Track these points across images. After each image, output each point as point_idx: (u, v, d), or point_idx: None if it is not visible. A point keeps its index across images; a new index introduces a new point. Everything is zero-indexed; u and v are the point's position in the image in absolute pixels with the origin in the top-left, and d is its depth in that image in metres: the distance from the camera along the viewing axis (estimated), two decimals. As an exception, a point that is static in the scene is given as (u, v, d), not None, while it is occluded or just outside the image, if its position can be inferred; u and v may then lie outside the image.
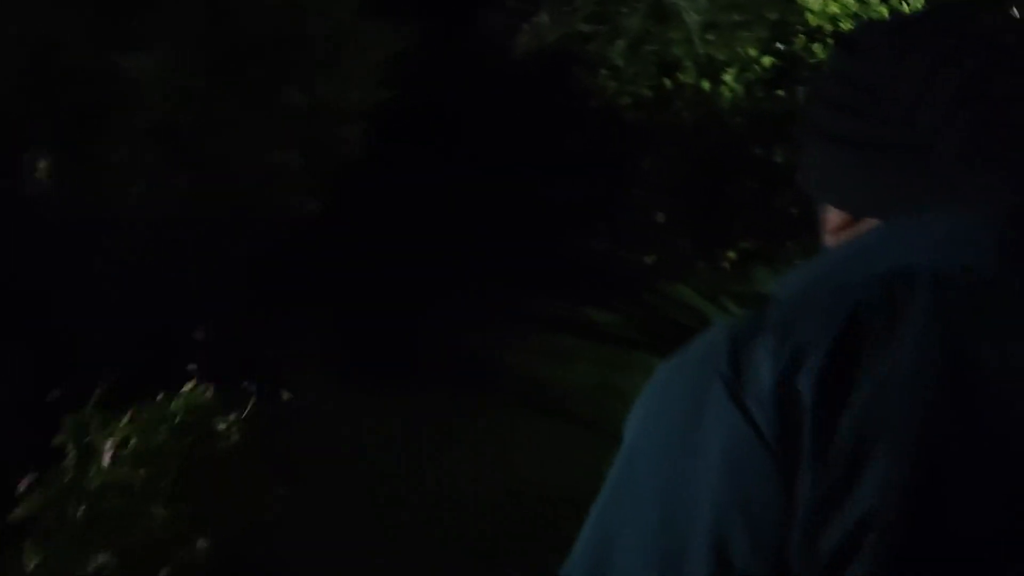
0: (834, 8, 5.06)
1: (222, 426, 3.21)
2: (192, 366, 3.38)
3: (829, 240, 0.81)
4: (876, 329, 0.67)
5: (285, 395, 3.85)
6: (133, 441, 3.06)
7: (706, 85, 5.19)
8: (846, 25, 4.97)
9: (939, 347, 0.66)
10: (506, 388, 5.88)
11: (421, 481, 5.04)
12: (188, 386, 3.20)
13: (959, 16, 0.80)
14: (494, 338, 6.12)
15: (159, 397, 3.19)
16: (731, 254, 5.26)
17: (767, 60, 4.88)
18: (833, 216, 0.80)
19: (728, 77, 4.97)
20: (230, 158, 4.74)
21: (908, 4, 4.86)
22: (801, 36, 5.03)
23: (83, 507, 3.08)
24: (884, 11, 5.14)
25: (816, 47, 4.93)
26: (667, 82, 5.55)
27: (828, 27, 5.01)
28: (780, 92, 4.79)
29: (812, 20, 5.08)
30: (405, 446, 5.30)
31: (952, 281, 0.70)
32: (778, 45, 5.01)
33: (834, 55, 0.83)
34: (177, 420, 3.09)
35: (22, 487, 3.12)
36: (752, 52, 4.97)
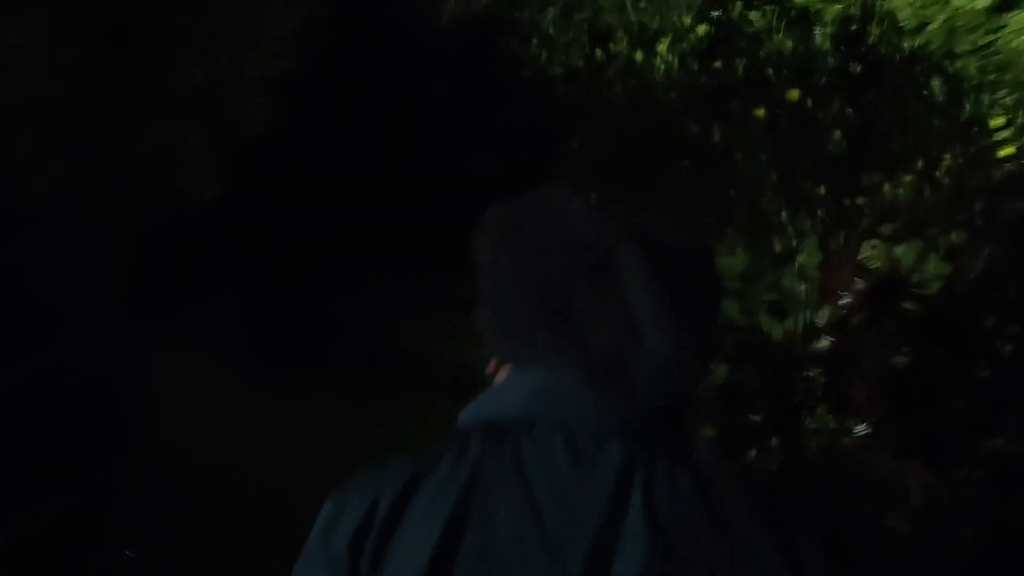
0: (772, -27, 4.73)
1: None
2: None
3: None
4: (438, 475, 0.92)
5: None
6: None
7: (639, 56, 4.84)
8: (785, -9, 4.67)
9: (467, 490, 0.90)
10: (428, 378, 5.54)
11: (336, 480, 4.68)
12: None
13: (543, 209, 1.05)
14: (415, 325, 5.77)
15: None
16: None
17: (702, 29, 4.54)
18: (492, 360, 1.09)
19: (661, 47, 4.62)
20: (116, 138, 4.29)
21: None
22: (738, 3, 4.69)
23: None
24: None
25: (754, 15, 4.59)
26: (599, 52, 5.19)
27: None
28: (717, 64, 4.44)
29: (749, -14, 4.75)
30: (318, 444, 4.93)
31: (515, 429, 0.95)
32: (713, 13, 4.67)
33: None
34: None
35: None
36: (686, 20, 4.63)
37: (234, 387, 5.00)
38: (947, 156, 4.07)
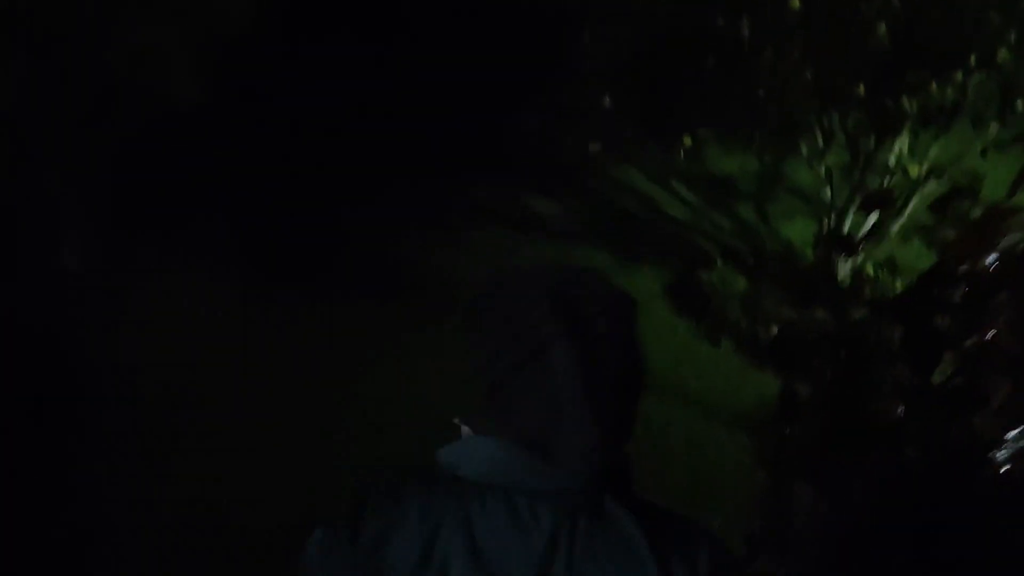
0: None
1: None
2: None
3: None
4: (410, 522, 1.16)
5: None
6: None
7: (659, -61, 4.39)
8: None
9: (430, 541, 1.15)
10: (436, 293, 5.25)
11: (340, 404, 4.44)
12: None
13: (507, 294, 1.24)
14: (421, 236, 5.46)
15: None
16: (687, 141, 4.59)
17: (731, -92, 4.09)
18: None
19: (684, -71, 4.18)
20: (85, 37, 3.90)
21: None
22: None
23: None
24: None
25: None
26: (613, -64, 4.73)
27: None
28: (747, -52, 4.01)
29: None
30: (322, 366, 4.67)
31: (472, 487, 1.17)
32: None
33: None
34: None
35: None
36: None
37: (229, 302, 4.73)
38: (1003, 51, 3.69)
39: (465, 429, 1.26)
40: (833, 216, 5.08)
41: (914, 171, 4.16)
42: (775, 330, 2.49)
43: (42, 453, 3.50)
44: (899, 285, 4.50)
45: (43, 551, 3.23)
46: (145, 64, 4.23)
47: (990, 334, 1.53)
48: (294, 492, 3.72)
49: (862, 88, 3.90)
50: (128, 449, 3.77)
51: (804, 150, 4.98)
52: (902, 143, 4.58)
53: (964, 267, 1.55)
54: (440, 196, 5.57)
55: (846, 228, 4.96)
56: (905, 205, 4.74)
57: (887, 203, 3.30)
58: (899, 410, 1.64)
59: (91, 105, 4.03)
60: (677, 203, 5.93)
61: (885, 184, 4.75)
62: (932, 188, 4.55)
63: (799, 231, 5.72)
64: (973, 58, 3.72)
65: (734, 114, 4.44)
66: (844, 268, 4.60)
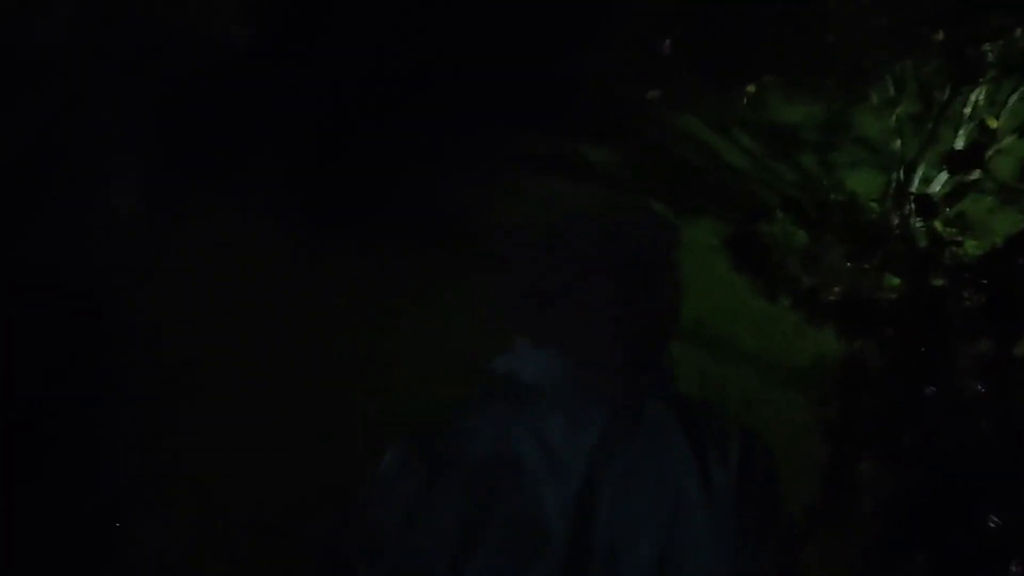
0: None
1: None
2: None
3: None
4: (481, 430, 1.29)
5: None
6: None
7: None
8: None
9: (500, 442, 1.27)
10: (488, 242, 5.12)
11: (387, 353, 4.38)
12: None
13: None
14: (474, 182, 5.35)
15: None
16: (750, 89, 4.39)
17: None
18: None
19: None
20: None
21: None
22: None
23: None
24: None
25: None
26: None
27: None
28: None
29: None
30: (371, 312, 4.61)
31: None
32: None
33: None
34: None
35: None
36: None
37: (273, 246, 4.69)
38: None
39: (521, 340, 1.34)
40: (902, 170, 4.86)
41: (992, 124, 3.93)
42: (837, 290, 2.35)
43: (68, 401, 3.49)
44: (969, 244, 4.30)
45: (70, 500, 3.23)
46: (193, 6, 4.16)
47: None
48: (323, 448, 3.67)
49: (941, 34, 3.67)
50: (160, 394, 3.75)
51: (874, 99, 4.75)
52: (979, 93, 4.35)
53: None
54: (492, 143, 5.45)
55: (915, 183, 4.75)
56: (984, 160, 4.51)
57: (974, 165, 3.10)
58: (976, 384, 1.52)
59: (140, 48, 3.97)
60: (738, 153, 5.74)
61: (960, 137, 4.53)
62: (1010, 143, 4.32)
63: (865, 184, 5.50)
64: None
65: (801, 61, 4.23)
66: (918, 228, 4.40)
